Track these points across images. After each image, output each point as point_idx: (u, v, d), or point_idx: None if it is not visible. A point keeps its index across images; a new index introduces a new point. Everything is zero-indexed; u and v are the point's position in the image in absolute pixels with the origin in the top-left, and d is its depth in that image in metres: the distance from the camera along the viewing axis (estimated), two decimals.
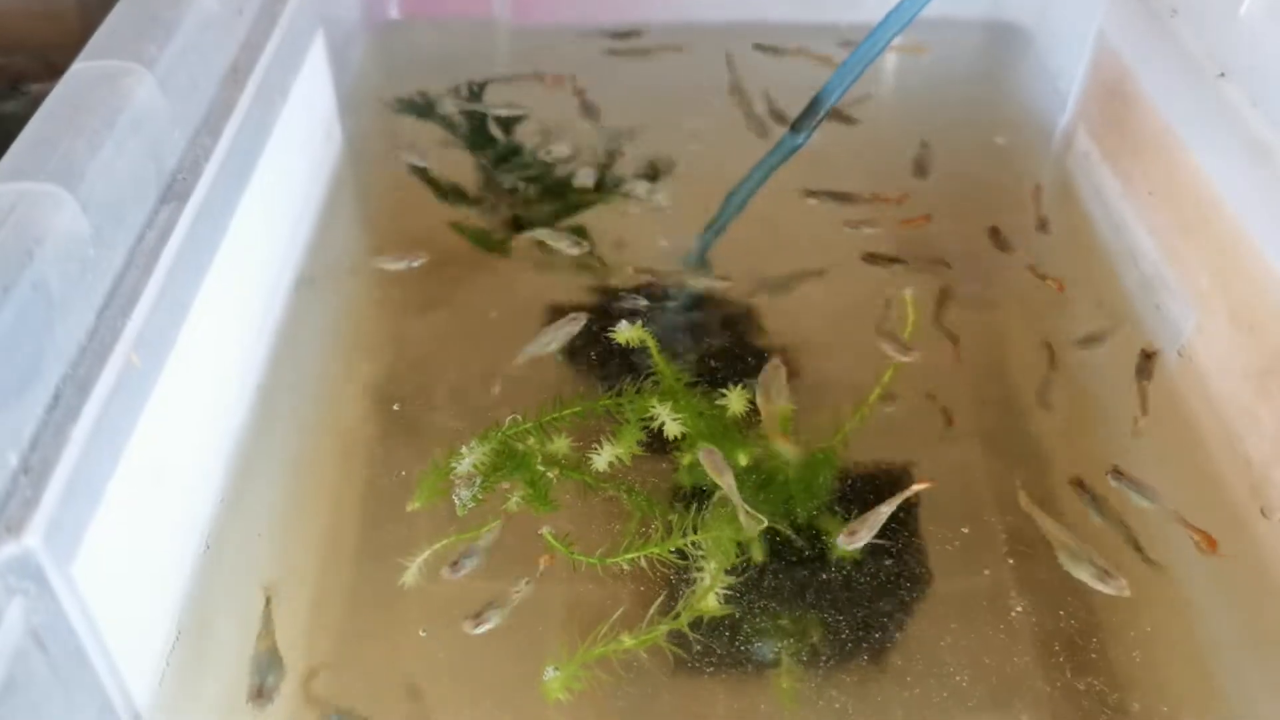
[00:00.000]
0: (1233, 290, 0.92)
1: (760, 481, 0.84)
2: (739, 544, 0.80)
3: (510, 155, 1.23)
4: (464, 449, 0.84)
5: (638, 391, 0.89)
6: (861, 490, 0.86)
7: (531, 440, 0.86)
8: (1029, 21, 1.41)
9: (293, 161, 1.11)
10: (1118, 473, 0.86)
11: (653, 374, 0.91)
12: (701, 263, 1.09)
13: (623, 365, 0.95)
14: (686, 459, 0.86)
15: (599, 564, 0.79)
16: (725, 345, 0.99)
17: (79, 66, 0.78)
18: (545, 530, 0.81)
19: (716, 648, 0.76)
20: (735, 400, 0.89)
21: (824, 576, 0.80)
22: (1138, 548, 0.82)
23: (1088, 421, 0.94)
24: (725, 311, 1.03)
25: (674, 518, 0.81)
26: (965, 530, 0.84)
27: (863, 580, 0.80)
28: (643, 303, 1.02)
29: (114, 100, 0.75)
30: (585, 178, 1.19)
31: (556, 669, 0.73)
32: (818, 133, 1.21)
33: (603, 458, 0.83)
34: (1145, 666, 0.76)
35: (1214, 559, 0.81)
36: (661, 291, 1.04)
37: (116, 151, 0.73)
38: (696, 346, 0.99)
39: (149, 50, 0.80)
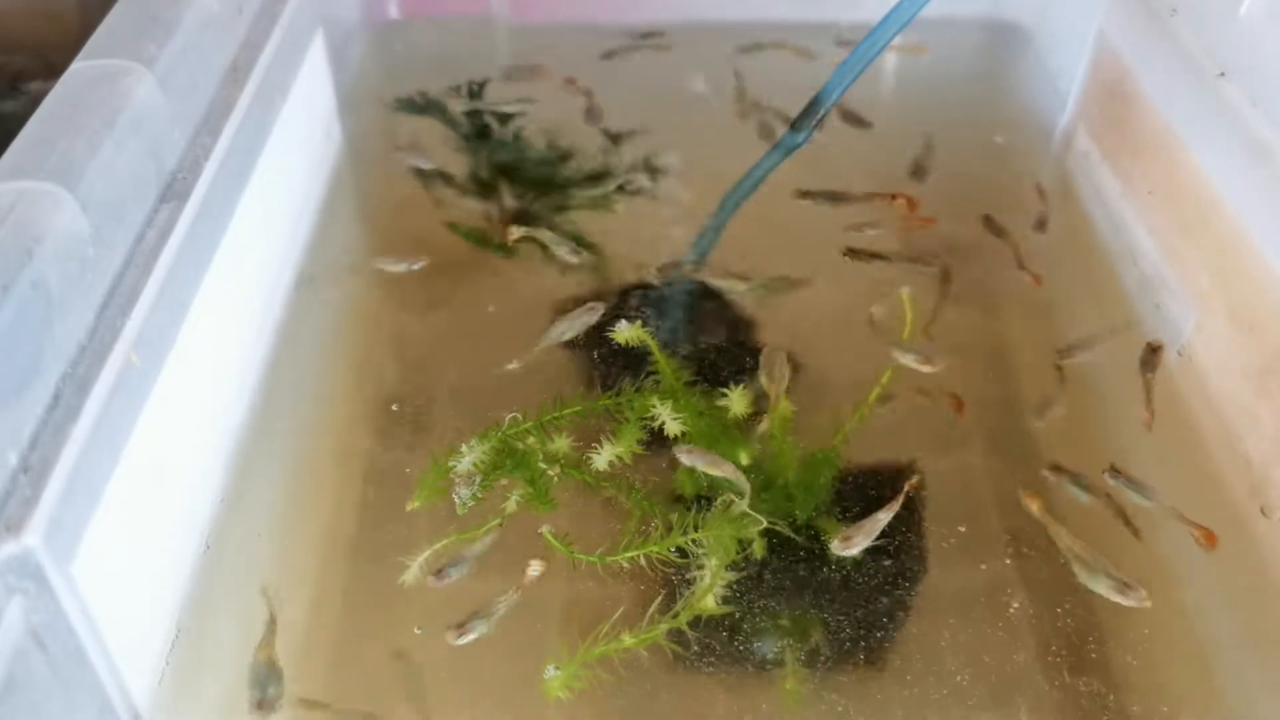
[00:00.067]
0: (1232, 290, 0.92)
1: (761, 482, 0.84)
2: (740, 542, 0.80)
3: (510, 154, 1.23)
4: (464, 448, 0.84)
5: (638, 390, 0.88)
6: (863, 487, 0.86)
7: (531, 439, 0.86)
8: (1029, 21, 1.41)
9: (292, 161, 1.11)
10: (1115, 471, 0.86)
11: (653, 372, 0.91)
12: (702, 262, 1.09)
13: (628, 363, 0.95)
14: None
15: (598, 563, 0.79)
16: (725, 344, 0.99)
17: (78, 65, 0.78)
18: (545, 529, 0.80)
19: (716, 646, 0.76)
20: (736, 400, 0.89)
21: (824, 575, 0.80)
22: (1128, 523, 0.82)
23: (1088, 420, 0.94)
24: (725, 311, 1.03)
25: (674, 516, 0.81)
26: (963, 529, 0.84)
27: (862, 579, 0.80)
28: (642, 302, 1.03)
29: (114, 99, 0.75)
30: (585, 176, 1.19)
31: (557, 668, 0.73)
32: (821, 132, 1.21)
33: (603, 457, 0.83)
34: (1145, 666, 0.76)
35: (1214, 560, 0.81)
36: (665, 291, 1.04)
37: (116, 151, 0.73)
38: (696, 346, 0.99)
39: (149, 49, 0.80)
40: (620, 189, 1.17)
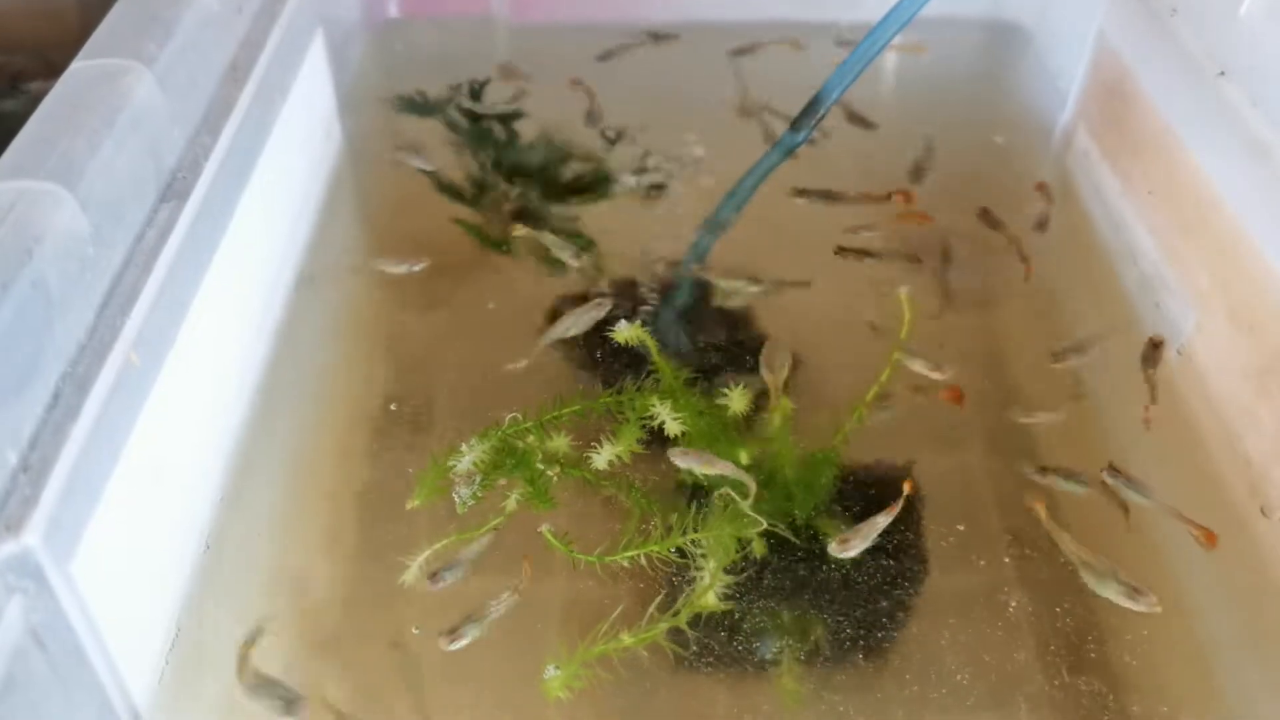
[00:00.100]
0: (1232, 290, 0.92)
1: (761, 481, 0.84)
2: (739, 541, 0.80)
3: (510, 153, 1.23)
4: (464, 447, 0.84)
5: (638, 390, 0.88)
6: (864, 484, 0.86)
7: (531, 438, 0.86)
8: (1029, 21, 1.41)
9: (292, 160, 1.10)
10: (1114, 470, 0.86)
11: (653, 372, 0.91)
12: (702, 262, 1.09)
13: (628, 362, 0.95)
14: None
15: (598, 562, 0.79)
16: (726, 343, 0.99)
17: (78, 65, 0.78)
18: (544, 528, 0.80)
19: (716, 645, 0.76)
20: (736, 399, 0.89)
21: (824, 574, 0.80)
22: (1124, 510, 0.82)
23: (1088, 420, 0.94)
24: (726, 310, 1.03)
25: (674, 516, 0.81)
26: (961, 527, 0.84)
27: (861, 579, 0.80)
28: (644, 300, 1.03)
29: (113, 99, 0.75)
30: (585, 175, 1.19)
31: (557, 667, 0.73)
32: (820, 132, 1.21)
33: (602, 456, 0.83)
34: (1145, 666, 0.76)
35: (1214, 559, 0.81)
36: (667, 290, 1.04)
37: (116, 150, 0.73)
38: (696, 345, 0.99)
39: (148, 48, 0.80)
40: (621, 186, 1.17)
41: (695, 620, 0.76)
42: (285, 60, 1.07)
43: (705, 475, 0.83)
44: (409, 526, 0.83)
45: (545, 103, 1.30)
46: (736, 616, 0.78)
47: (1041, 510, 0.84)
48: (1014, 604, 0.79)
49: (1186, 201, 1.00)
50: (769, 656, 0.76)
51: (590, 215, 1.14)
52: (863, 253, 1.08)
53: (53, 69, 0.78)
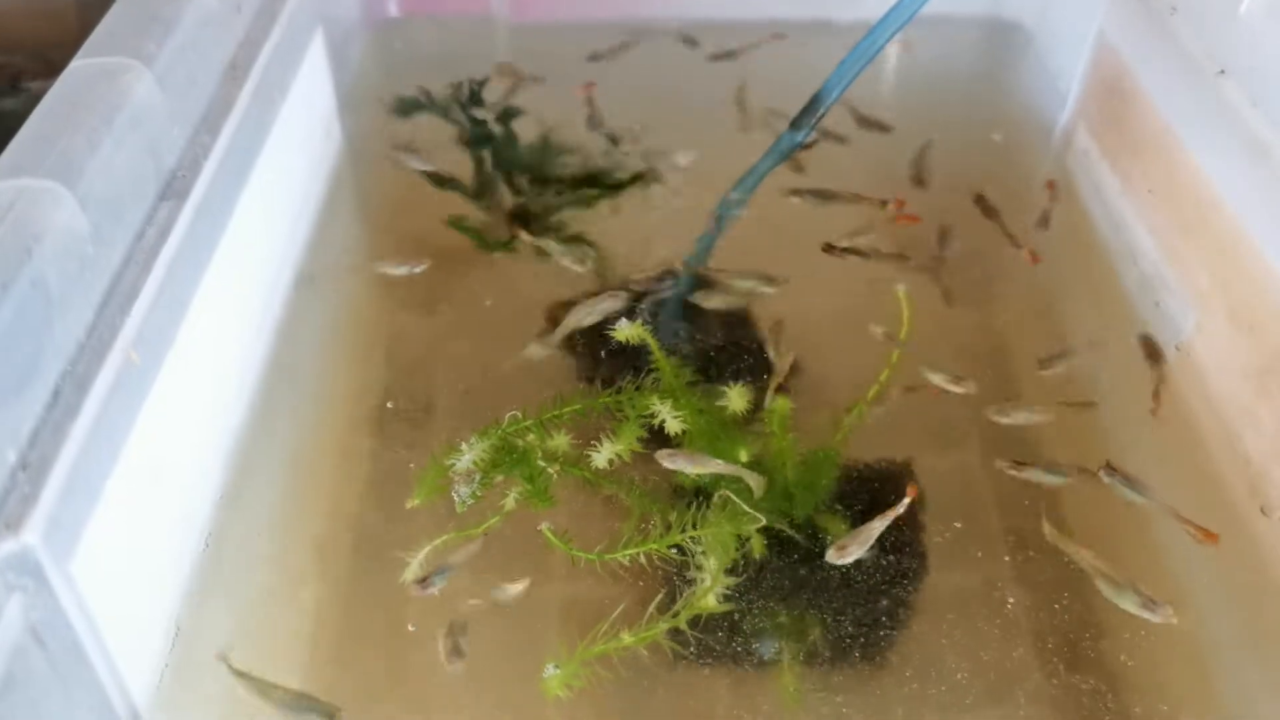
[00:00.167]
0: (1232, 289, 0.92)
1: (763, 475, 0.84)
2: (739, 539, 0.80)
3: (510, 152, 1.23)
4: (463, 445, 0.84)
5: (638, 388, 0.88)
6: (866, 480, 0.86)
7: (531, 436, 0.86)
8: (1029, 20, 1.41)
9: (292, 159, 1.10)
10: (1111, 468, 0.86)
11: (654, 370, 0.91)
12: (703, 261, 1.09)
13: (629, 361, 0.95)
14: None
15: (597, 560, 0.79)
16: (726, 342, 0.99)
17: (78, 64, 0.78)
18: (544, 526, 0.80)
19: (716, 645, 0.76)
20: (736, 398, 0.89)
21: (823, 573, 0.80)
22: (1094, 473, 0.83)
23: (1088, 420, 0.94)
24: (726, 310, 1.03)
25: (674, 515, 0.80)
26: (959, 525, 0.84)
27: (861, 577, 0.80)
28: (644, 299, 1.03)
29: (113, 97, 0.75)
30: (585, 175, 1.19)
31: (556, 666, 0.73)
32: (837, 137, 1.21)
33: (602, 455, 0.83)
34: (1144, 665, 0.76)
35: (1213, 559, 0.81)
36: (667, 289, 1.04)
37: (115, 148, 0.73)
38: (695, 345, 0.99)
39: (148, 47, 0.80)
40: (620, 186, 1.17)
41: (695, 620, 0.76)
42: (285, 59, 1.07)
43: (699, 475, 0.83)
44: (408, 525, 0.83)
45: (545, 102, 1.30)
46: (736, 616, 0.78)
47: (1047, 527, 0.83)
48: (1012, 601, 0.79)
49: (1186, 201, 1.00)
50: (768, 655, 0.76)
51: (591, 215, 1.14)
52: (850, 251, 1.08)
53: (52, 68, 0.78)
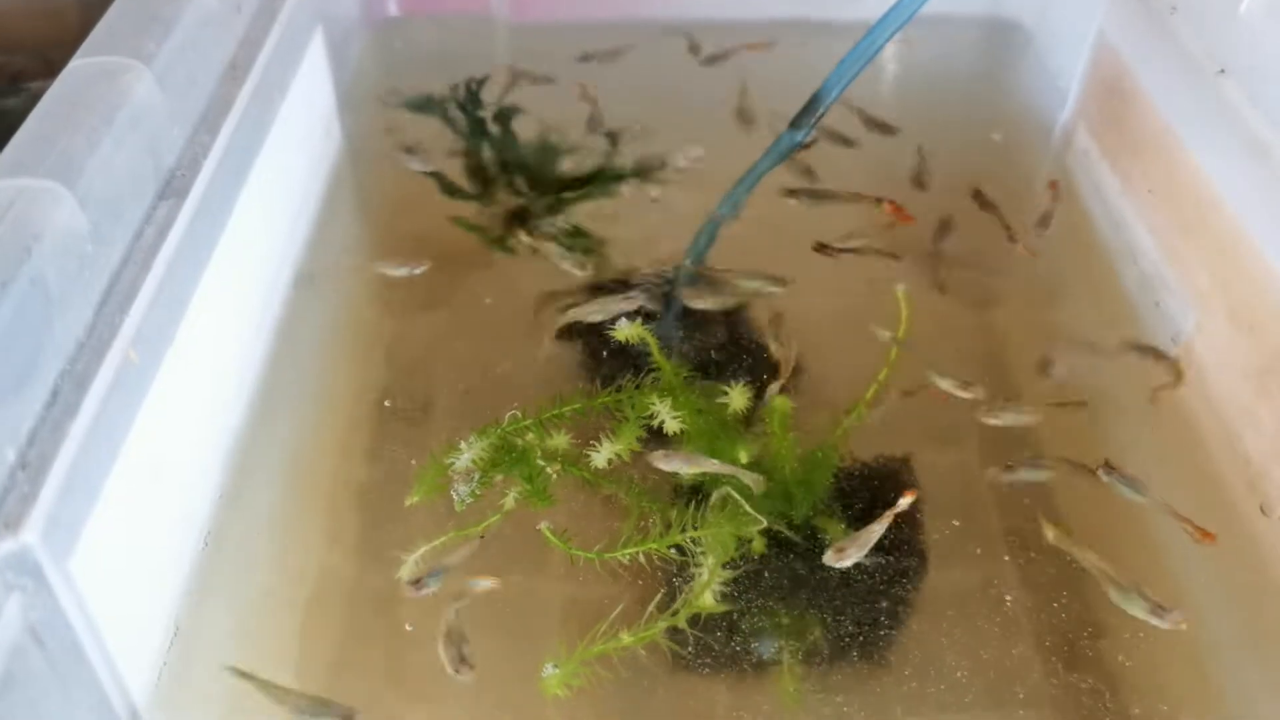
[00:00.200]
0: (1232, 289, 0.92)
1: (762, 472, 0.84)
2: (738, 538, 0.80)
3: (510, 152, 1.23)
4: (462, 444, 0.84)
5: (638, 388, 0.88)
6: (867, 478, 0.86)
7: (530, 435, 0.86)
8: (1029, 19, 1.41)
9: (291, 158, 1.10)
10: (1110, 467, 0.86)
11: (654, 370, 0.91)
12: (701, 261, 1.09)
13: (629, 360, 0.95)
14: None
15: (596, 559, 0.79)
16: (726, 342, 0.99)
17: (77, 63, 0.78)
18: (543, 525, 0.80)
19: (715, 644, 0.76)
20: (736, 397, 0.89)
21: (823, 573, 0.80)
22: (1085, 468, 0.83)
23: (1086, 417, 0.94)
24: (725, 310, 1.03)
25: (673, 514, 0.80)
26: (958, 524, 0.84)
27: (860, 576, 0.80)
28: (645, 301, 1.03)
29: (112, 97, 0.75)
30: (586, 175, 1.19)
31: (555, 666, 0.73)
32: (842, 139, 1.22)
33: (602, 454, 0.83)
34: (1144, 665, 0.76)
35: (1213, 558, 0.81)
36: (668, 288, 1.05)
37: (115, 148, 0.73)
38: (695, 344, 0.99)
39: (147, 46, 0.80)
40: (622, 185, 1.17)
41: (695, 619, 0.76)
42: (284, 58, 1.07)
43: (695, 475, 0.83)
44: (407, 524, 0.83)
45: (545, 102, 1.30)
46: (735, 617, 0.78)
47: (1050, 530, 0.83)
48: (1015, 603, 0.79)
49: (1186, 201, 1.00)
50: (768, 654, 0.76)
51: (590, 216, 1.14)
52: (842, 250, 1.08)
53: (52, 68, 0.78)
